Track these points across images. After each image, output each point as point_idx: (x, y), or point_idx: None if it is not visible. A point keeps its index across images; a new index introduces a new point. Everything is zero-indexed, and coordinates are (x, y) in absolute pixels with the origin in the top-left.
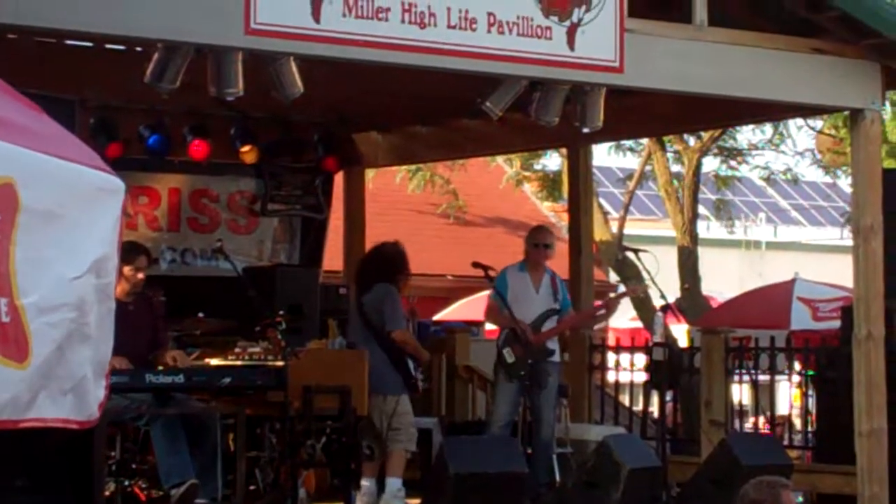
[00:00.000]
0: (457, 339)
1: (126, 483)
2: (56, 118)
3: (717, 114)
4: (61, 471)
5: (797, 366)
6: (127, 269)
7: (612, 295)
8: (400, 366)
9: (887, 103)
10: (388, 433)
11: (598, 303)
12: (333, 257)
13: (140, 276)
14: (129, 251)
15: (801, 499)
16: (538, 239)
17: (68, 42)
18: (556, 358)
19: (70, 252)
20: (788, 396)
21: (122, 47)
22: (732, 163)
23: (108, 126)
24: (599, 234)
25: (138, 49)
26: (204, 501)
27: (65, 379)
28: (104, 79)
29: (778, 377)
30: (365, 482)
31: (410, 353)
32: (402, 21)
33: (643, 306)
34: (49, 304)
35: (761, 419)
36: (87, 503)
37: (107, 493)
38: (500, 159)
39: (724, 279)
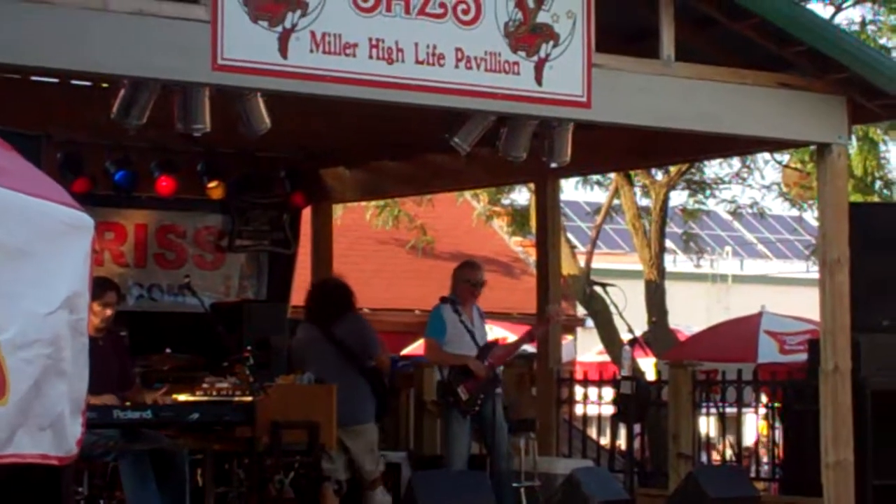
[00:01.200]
0: (424, 373)
1: None
2: (23, 154)
3: (684, 148)
4: None
5: (764, 398)
6: (96, 305)
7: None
8: (379, 392)
9: (853, 137)
10: (370, 459)
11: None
12: (301, 292)
13: (109, 311)
14: (99, 287)
15: None
16: (477, 278)
17: (34, 78)
18: (499, 390)
19: (42, 288)
20: (755, 428)
21: (88, 83)
22: (699, 196)
23: (74, 162)
24: (567, 268)
25: (105, 85)
26: None
27: (42, 415)
28: (70, 115)
29: (745, 409)
30: None
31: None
32: (370, 57)
33: (611, 340)
34: (24, 340)
35: (727, 451)
36: None
37: None
38: (467, 194)
39: (690, 313)
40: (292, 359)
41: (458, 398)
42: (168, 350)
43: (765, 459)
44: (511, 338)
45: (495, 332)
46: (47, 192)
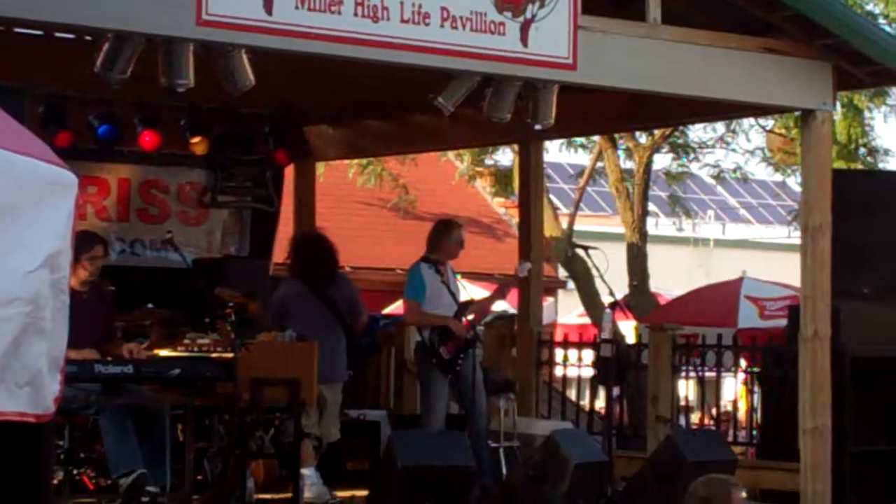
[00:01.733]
0: (405, 332)
1: (75, 472)
2: (5, 106)
3: (668, 112)
4: (9, 458)
5: (743, 363)
6: (85, 258)
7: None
8: (351, 351)
9: (838, 104)
10: (336, 419)
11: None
12: (283, 250)
13: (96, 265)
14: (87, 240)
15: (743, 494)
16: (461, 238)
17: (17, 30)
18: (479, 350)
19: (24, 246)
20: (734, 393)
21: (71, 36)
22: (683, 160)
23: (57, 115)
24: (549, 230)
25: (88, 38)
26: (153, 490)
27: (20, 373)
28: (54, 67)
29: (724, 374)
30: (307, 471)
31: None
32: (355, 14)
33: (592, 303)
34: (3, 298)
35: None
36: (35, 491)
37: (55, 482)
38: (450, 154)
39: (672, 276)
40: (273, 313)
41: (440, 358)
42: (150, 305)
43: (742, 422)
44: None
45: (477, 292)
46: (32, 149)
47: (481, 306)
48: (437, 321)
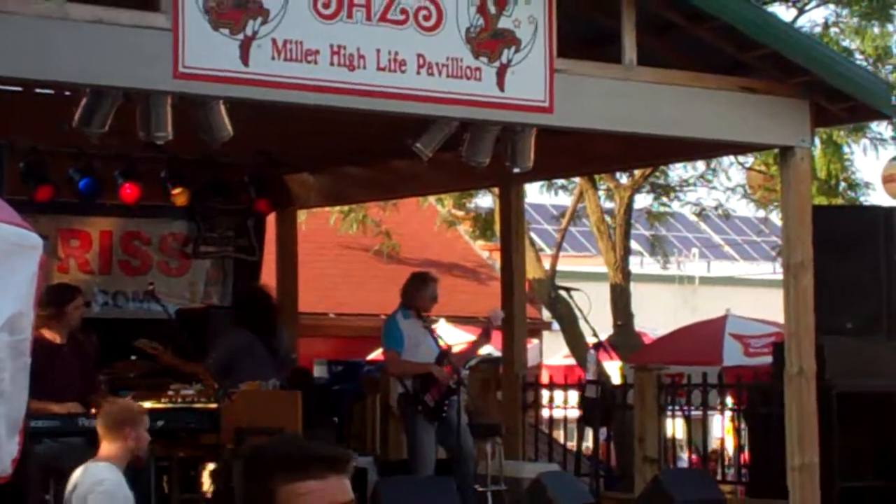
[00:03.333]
0: (390, 378)
1: None
2: None
3: (647, 152)
4: None
5: (729, 401)
6: (70, 308)
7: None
8: None
9: (817, 140)
10: None
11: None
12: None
13: (74, 318)
14: (65, 291)
15: None
16: (436, 292)
17: None
18: (463, 393)
19: None
20: (721, 431)
21: (50, 91)
22: (664, 199)
23: (37, 169)
24: (532, 271)
25: (67, 93)
26: None
27: None
28: (34, 122)
29: (711, 412)
30: None
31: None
32: (332, 63)
33: (576, 344)
34: None
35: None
36: None
37: None
38: (431, 199)
39: (657, 314)
40: (221, 362)
41: (425, 405)
42: (133, 357)
43: (731, 462)
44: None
45: (461, 335)
46: None
47: (462, 355)
48: (420, 369)
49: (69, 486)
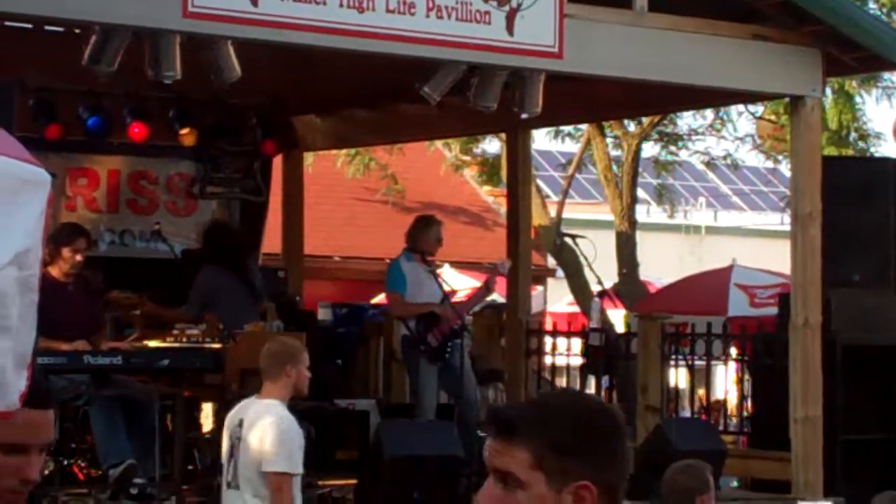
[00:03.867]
0: (394, 322)
1: (65, 462)
2: None
3: (657, 100)
4: None
5: (734, 352)
6: (66, 251)
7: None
8: None
9: (828, 90)
10: None
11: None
12: (272, 240)
13: (79, 257)
14: (69, 233)
15: (735, 483)
16: (440, 234)
17: (7, 23)
18: (467, 338)
19: None
20: (724, 381)
21: (61, 29)
22: (672, 148)
23: (47, 107)
24: (538, 218)
25: (77, 31)
26: (142, 481)
27: None
28: (44, 60)
29: (714, 363)
30: None
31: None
32: (341, 5)
33: (581, 291)
34: None
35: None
36: None
37: (46, 472)
38: (438, 143)
39: (663, 264)
40: (199, 299)
41: (428, 346)
42: (140, 294)
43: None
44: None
45: (465, 281)
46: (3, 147)
47: (466, 303)
48: (423, 309)
49: (232, 421)
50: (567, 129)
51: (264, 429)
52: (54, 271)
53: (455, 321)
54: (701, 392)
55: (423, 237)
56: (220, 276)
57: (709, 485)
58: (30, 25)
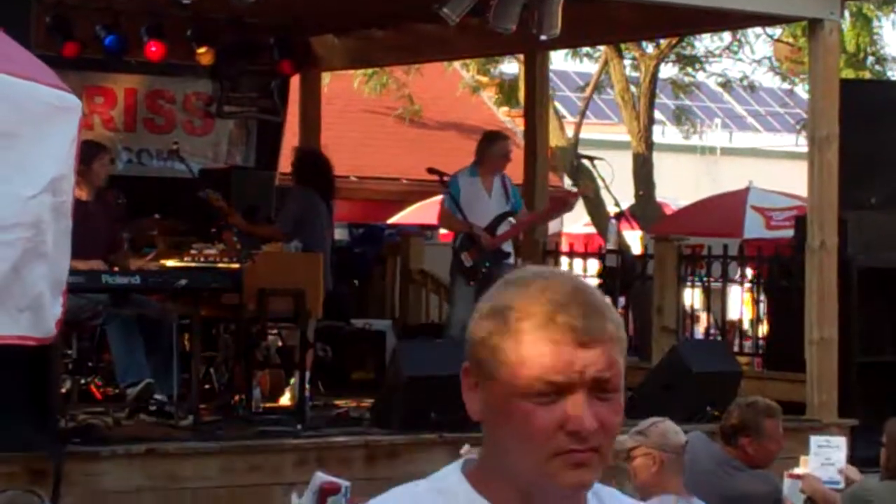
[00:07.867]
0: (411, 242)
1: (82, 381)
2: (11, 16)
3: (675, 22)
4: (17, 367)
5: (749, 273)
6: (96, 165)
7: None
8: None
9: (846, 13)
10: None
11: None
12: (289, 160)
13: (101, 175)
14: (93, 148)
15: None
16: (505, 149)
17: None
18: (511, 261)
19: (26, 171)
20: (740, 303)
21: None
22: (690, 70)
23: (64, 25)
24: (555, 139)
25: None
26: (160, 399)
27: (20, 297)
28: None
29: (730, 284)
30: None
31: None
32: None
33: (597, 212)
34: (5, 224)
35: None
36: (43, 400)
37: (63, 390)
38: (456, 64)
39: (678, 185)
40: (290, 219)
41: (462, 264)
42: (156, 215)
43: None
44: None
45: None
46: (35, 74)
47: (519, 224)
48: (461, 227)
49: None
50: (585, 49)
51: None
52: (76, 191)
53: (492, 246)
54: (716, 313)
55: (487, 152)
56: (310, 198)
57: (761, 426)
58: None
